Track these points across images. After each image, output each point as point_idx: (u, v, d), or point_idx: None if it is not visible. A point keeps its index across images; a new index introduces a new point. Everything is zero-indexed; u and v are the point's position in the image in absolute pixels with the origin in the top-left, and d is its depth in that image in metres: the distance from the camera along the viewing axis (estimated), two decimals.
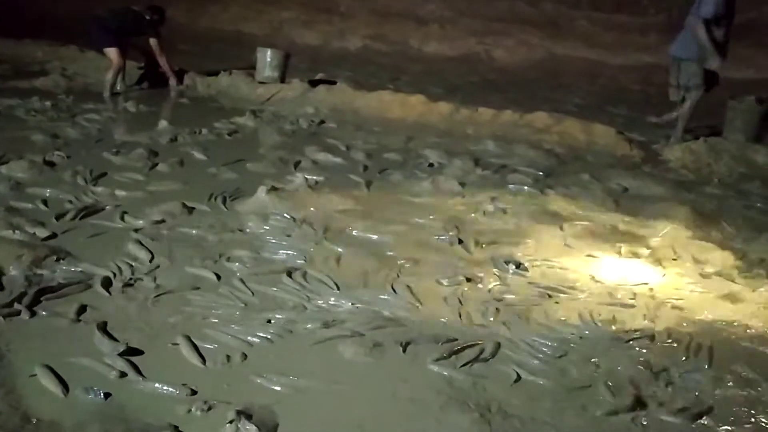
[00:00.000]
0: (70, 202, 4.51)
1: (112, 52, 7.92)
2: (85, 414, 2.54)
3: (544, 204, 5.07)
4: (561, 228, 4.62)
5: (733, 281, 3.96)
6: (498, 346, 3.18)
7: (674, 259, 4.22)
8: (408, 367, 3.00)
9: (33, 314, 3.15)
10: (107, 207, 4.45)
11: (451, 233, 4.41)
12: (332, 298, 3.53)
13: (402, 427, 2.63)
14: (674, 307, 3.65)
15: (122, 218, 4.30)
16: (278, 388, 2.80)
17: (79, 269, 3.59)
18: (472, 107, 7.60)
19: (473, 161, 5.95)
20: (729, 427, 2.76)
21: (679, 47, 6.71)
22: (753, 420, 2.82)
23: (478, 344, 3.18)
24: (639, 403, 2.83)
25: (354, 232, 4.37)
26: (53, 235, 3.96)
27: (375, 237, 4.32)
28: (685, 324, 3.50)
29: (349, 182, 5.36)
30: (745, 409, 2.88)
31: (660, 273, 4.04)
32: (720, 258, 4.24)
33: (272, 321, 3.28)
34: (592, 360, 3.14)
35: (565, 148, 6.66)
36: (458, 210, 4.91)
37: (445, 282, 3.77)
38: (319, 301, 3.50)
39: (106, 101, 7.70)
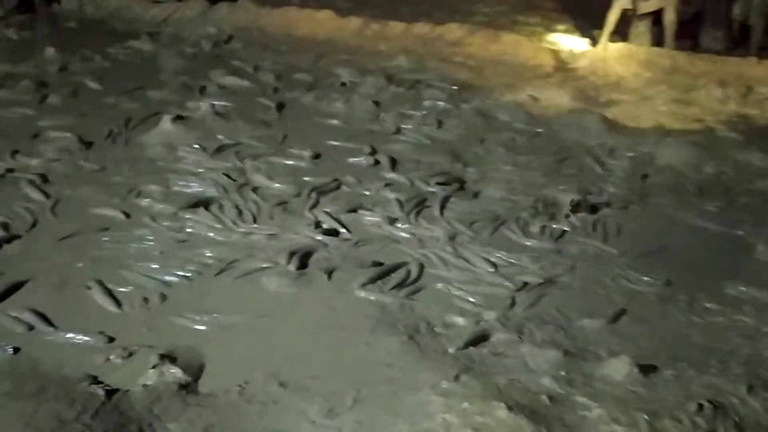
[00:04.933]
0: None
1: None
2: None
3: None
4: (481, 142, 4.65)
5: None
6: (422, 267, 3.19)
7: None
8: (335, 295, 2.96)
9: None
10: None
11: (367, 154, 4.32)
12: (250, 229, 3.41)
13: (332, 355, 2.61)
14: None
15: (12, 157, 3.97)
16: (202, 328, 2.72)
17: None
18: (382, 21, 7.37)
19: (386, 78, 5.81)
20: None
21: None
22: None
23: (404, 266, 3.17)
24: None
25: (269, 159, 4.22)
26: None
27: (291, 162, 4.19)
28: None
29: (259, 106, 5.13)
30: None
31: None
32: None
33: (190, 257, 3.14)
34: None
35: (477, 60, 6.59)
36: (373, 130, 4.81)
37: (365, 204, 3.71)
38: (237, 233, 3.38)
39: None
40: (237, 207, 3.59)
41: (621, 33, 7.11)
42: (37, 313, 2.68)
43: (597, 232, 3.61)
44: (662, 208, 3.95)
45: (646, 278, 3.20)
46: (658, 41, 7.01)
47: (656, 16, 7.05)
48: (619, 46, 6.75)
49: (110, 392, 2.27)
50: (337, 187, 3.90)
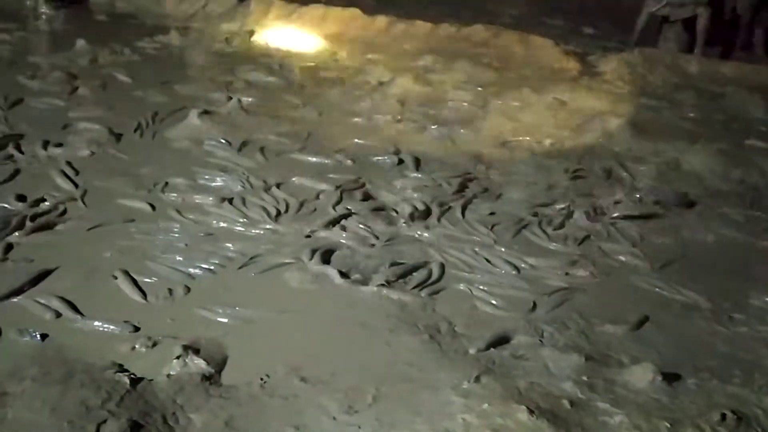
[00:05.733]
0: None
1: None
2: (22, 357, 2.42)
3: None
4: (504, 144, 4.65)
5: None
6: (443, 267, 3.19)
7: None
8: (356, 292, 2.97)
9: None
10: (26, 136, 4.15)
11: (391, 154, 4.33)
12: (274, 225, 3.44)
13: (353, 351, 2.62)
14: None
15: (44, 147, 4.02)
16: (225, 320, 2.74)
17: (1, 204, 3.37)
18: (408, 21, 7.38)
19: (412, 78, 5.82)
20: None
21: None
22: None
23: (426, 266, 3.18)
24: None
25: (293, 155, 4.25)
26: None
27: (315, 160, 4.21)
28: None
29: (286, 103, 5.16)
30: None
31: None
32: None
33: (214, 251, 3.17)
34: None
35: (503, 61, 6.58)
36: (398, 130, 4.82)
37: (388, 203, 3.72)
38: (261, 229, 3.40)
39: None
40: (261, 202, 3.62)
41: (649, 38, 7.08)
42: (64, 301, 2.72)
43: (621, 238, 3.59)
44: (687, 215, 3.92)
45: (669, 286, 3.18)
46: (687, 47, 6.97)
47: (687, 23, 7.02)
48: (646, 51, 6.70)
49: (135, 380, 2.30)
50: (361, 186, 3.91)
